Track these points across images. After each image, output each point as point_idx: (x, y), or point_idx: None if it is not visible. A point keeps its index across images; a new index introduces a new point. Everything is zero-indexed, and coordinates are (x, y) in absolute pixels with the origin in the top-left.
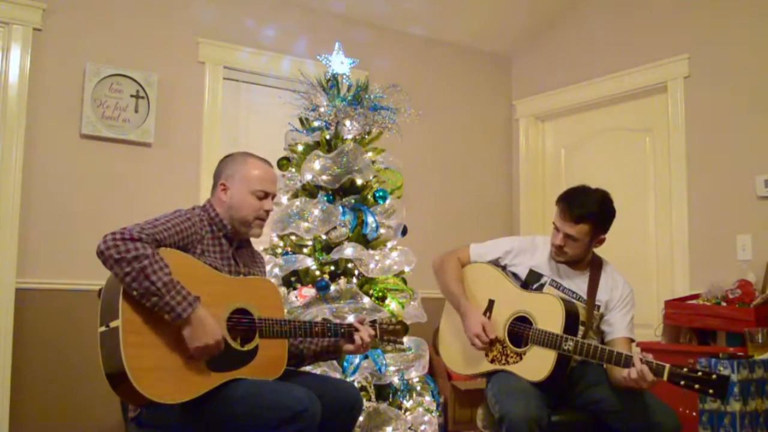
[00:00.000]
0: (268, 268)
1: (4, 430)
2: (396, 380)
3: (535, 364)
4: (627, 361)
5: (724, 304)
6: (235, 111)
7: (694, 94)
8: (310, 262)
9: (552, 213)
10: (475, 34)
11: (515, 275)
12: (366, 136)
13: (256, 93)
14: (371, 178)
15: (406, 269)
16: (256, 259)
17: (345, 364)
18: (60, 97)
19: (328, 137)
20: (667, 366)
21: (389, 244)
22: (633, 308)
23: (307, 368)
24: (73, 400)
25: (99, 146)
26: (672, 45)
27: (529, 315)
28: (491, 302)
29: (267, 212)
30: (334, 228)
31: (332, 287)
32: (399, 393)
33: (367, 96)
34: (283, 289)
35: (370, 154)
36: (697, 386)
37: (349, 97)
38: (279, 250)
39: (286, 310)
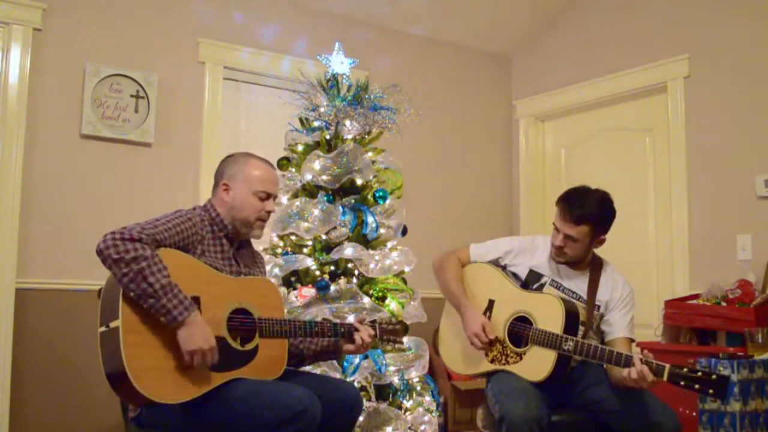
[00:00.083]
0: (268, 268)
1: (4, 430)
2: (396, 380)
3: (535, 364)
4: (627, 361)
5: (724, 304)
6: (235, 111)
7: (694, 94)
8: (310, 262)
9: (552, 213)
10: (475, 34)
11: (515, 275)
12: (366, 136)
13: (256, 93)
14: (371, 178)
15: (406, 269)
16: (256, 260)
17: (345, 364)
18: (60, 97)
19: (328, 137)
20: (667, 366)
21: (389, 244)
22: (633, 308)
23: (307, 368)
24: (73, 400)
25: (99, 146)
26: (672, 45)
27: (529, 315)
28: (491, 302)
29: (268, 213)
30: (334, 228)
31: (332, 287)
32: (399, 393)
33: (367, 96)
34: (283, 289)
35: (370, 154)
36: (697, 386)
37: (349, 97)
38: (279, 250)
39: (286, 310)
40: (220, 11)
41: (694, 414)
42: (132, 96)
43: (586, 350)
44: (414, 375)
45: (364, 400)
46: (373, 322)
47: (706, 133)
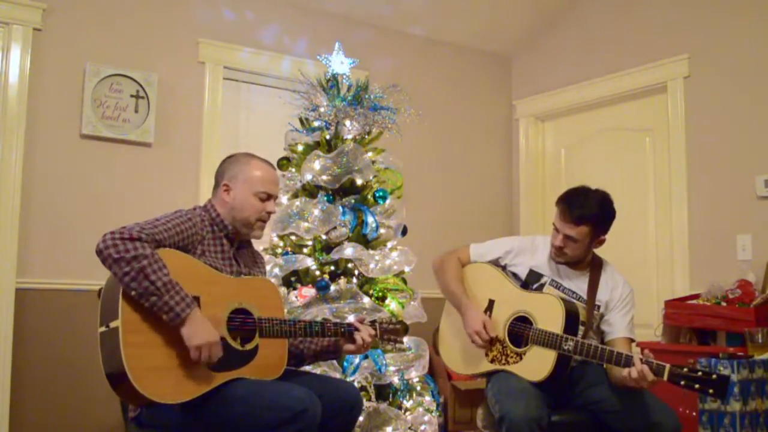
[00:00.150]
0: (268, 268)
1: (4, 430)
2: (396, 380)
3: (535, 364)
4: (627, 361)
5: (724, 304)
6: (235, 111)
7: (694, 94)
8: (310, 262)
9: (552, 213)
10: (475, 34)
11: (515, 275)
12: (366, 136)
13: (256, 93)
14: (371, 178)
15: (406, 269)
16: (256, 260)
17: (345, 364)
18: (60, 97)
19: (328, 137)
20: (668, 366)
21: (389, 244)
22: (633, 308)
23: (307, 368)
24: (73, 400)
25: (99, 146)
26: (672, 45)
27: (529, 315)
28: (491, 302)
29: (269, 214)
30: (334, 228)
31: (332, 287)
32: (399, 393)
33: (367, 96)
34: (283, 289)
35: (370, 154)
36: (697, 386)
37: (349, 97)
38: (279, 250)
39: (286, 310)
40: (220, 11)
41: (694, 414)
42: (132, 96)
43: (586, 350)
44: (414, 375)
45: (364, 400)
46: (374, 321)
47: (706, 133)
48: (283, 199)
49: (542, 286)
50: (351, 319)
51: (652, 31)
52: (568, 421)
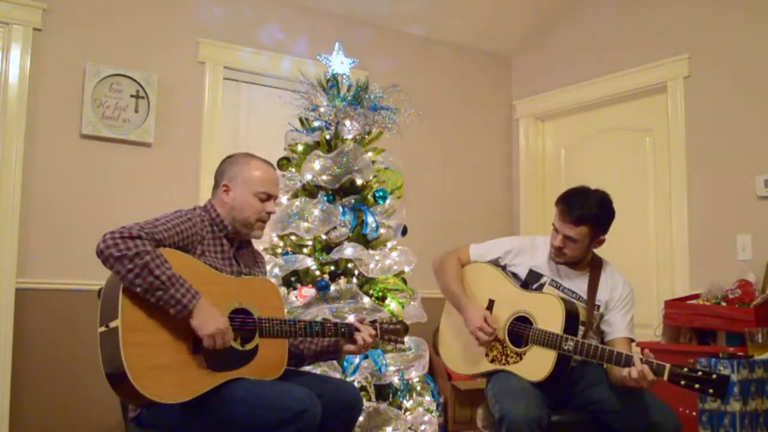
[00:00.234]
0: (268, 268)
1: (4, 430)
2: (396, 380)
3: (536, 364)
4: (627, 361)
5: (724, 304)
6: (235, 111)
7: (694, 94)
8: (310, 262)
9: (552, 213)
10: (475, 34)
11: (515, 275)
12: (366, 136)
13: (256, 93)
14: (371, 178)
15: (406, 269)
16: (257, 259)
17: (345, 364)
18: (60, 97)
19: (328, 137)
20: (668, 366)
21: (389, 244)
22: (633, 308)
23: (307, 368)
24: (73, 400)
25: (99, 146)
26: (672, 45)
27: (529, 315)
28: (491, 302)
29: (269, 214)
30: (334, 228)
31: (332, 287)
32: (399, 393)
33: (367, 96)
34: (283, 289)
35: (370, 154)
36: (697, 386)
37: (349, 97)
38: (279, 250)
39: (286, 310)
40: (220, 11)
41: (694, 414)
42: (132, 96)
43: (586, 350)
44: (414, 375)
45: (364, 400)
46: (374, 321)
47: (706, 133)
48: (283, 199)
49: (542, 286)
50: (351, 319)
51: (652, 31)
52: (568, 421)
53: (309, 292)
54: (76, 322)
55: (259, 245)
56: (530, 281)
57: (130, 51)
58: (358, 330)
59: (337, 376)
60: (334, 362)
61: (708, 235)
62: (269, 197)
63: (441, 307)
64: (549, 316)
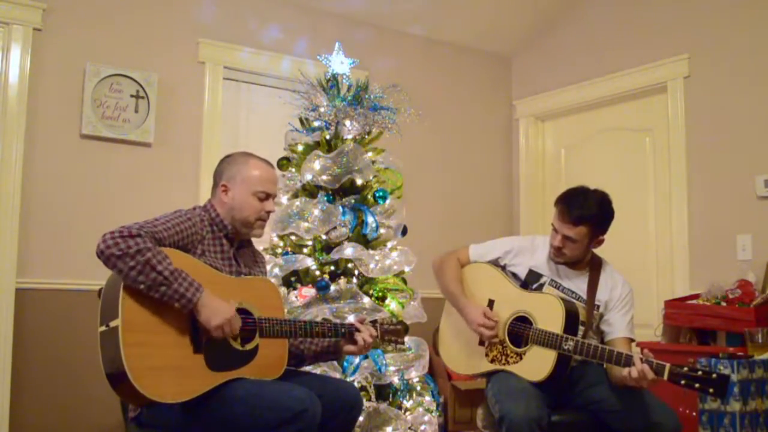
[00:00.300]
0: (268, 268)
1: (4, 429)
2: (396, 380)
3: (535, 364)
4: (627, 361)
5: (724, 304)
6: (235, 111)
7: (694, 94)
8: (310, 262)
9: (552, 213)
10: (475, 34)
11: (515, 275)
12: (366, 136)
13: (256, 93)
14: (371, 178)
15: (406, 269)
16: (257, 259)
17: (345, 364)
18: (60, 97)
19: (328, 137)
20: (668, 365)
21: (389, 244)
22: (632, 308)
23: (307, 368)
24: (73, 400)
25: (99, 146)
26: (672, 45)
27: (529, 315)
28: (491, 302)
29: (268, 213)
30: (334, 228)
31: (332, 287)
32: (399, 393)
33: (367, 96)
34: (283, 289)
35: (370, 154)
36: (697, 385)
37: (349, 97)
38: (279, 250)
39: (286, 310)
40: (220, 11)
41: (694, 414)
42: (132, 96)
43: (586, 350)
44: (414, 375)
45: (364, 400)
46: (374, 322)
47: (706, 133)
48: (283, 199)
49: (542, 286)
50: (351, 319)
51: (652, 31)
52: (568, 421)
53: (309, 292)
54: (76, 322)
55: (259, 245)
56: (530, 281)
57: (130, 51)
58: (358, 330)
59: (337, 376)
60: (334, 362)
61: (708, 235)
62: (268, 196)
63: (441, 307)
64: (549, 316)
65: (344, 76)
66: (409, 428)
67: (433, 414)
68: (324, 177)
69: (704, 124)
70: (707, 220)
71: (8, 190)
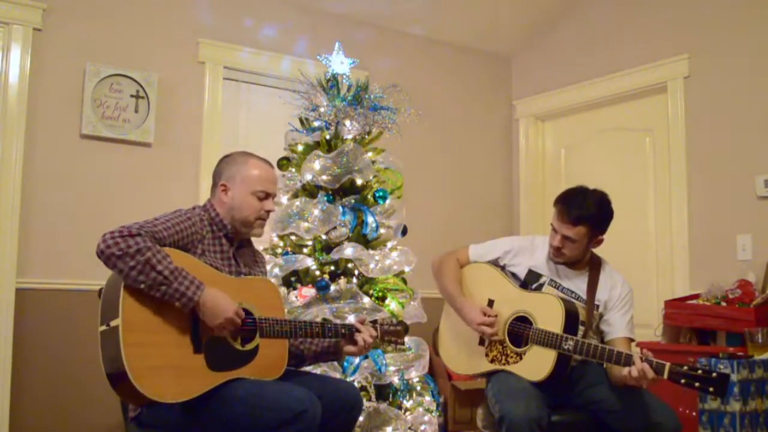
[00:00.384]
0: (268, 268)
1: (4, 430)
2: (396, 380)
3: (535, 364)
4: (627, 360)
5: (724, 304)
6: (235, 111)
7: (694, 94)
8: (310, 262)
9: (552, 213)
10: (475, 34)
11: (514, 275)
12: (366, 136)
13: (256, 93)
14: (371, 178)
15: (406, 269)
16: (256, 259)
17: (345, 364)
18: (60, 97)
19: (328, 137)
20: (668, 364)
21: (389, 244)
22: (632, 308)
23: (307, 368)
24: (73, 399)
25: (99, 146)
26: (672, 45)
27: (528, 315)
28: (491, 302)
29: (268, 212)
30: (334, 228)
31: (332, 287)
32: (399, 393)
33: (367, 96)
34: (283, 289)
35: (370, 154)
36: (697, 384)
37: (349, 97)
38: (279, 250)
39: (286, 310)
40: (220, 11)
41: (694, 414)
42: (132, 96)
43: (586, 349)
44: (414, 375)
45: (364, 400)
46: (374, 322)
47: (706, 133)
48: (283, 199)
49: (541, 285)
50: (351, 319)
51: (652, 31)
52: (568, 421)
53: (309, 292)
54: (76, 322)
55: (259, 245)
56: (529, 281)
57: (130, 51)
58: (358, 331)
59: (338, 376)
60: (335, 362)
61: (708, 235)
62: (268, 195)
63: (441, 307)
64: (549, 316)
65: (344, 76)
66: (409, 428)
67: (433, 414)
68: (324, 177)
69: (704, 124)
70: (707, 220)
71: (8, 190)
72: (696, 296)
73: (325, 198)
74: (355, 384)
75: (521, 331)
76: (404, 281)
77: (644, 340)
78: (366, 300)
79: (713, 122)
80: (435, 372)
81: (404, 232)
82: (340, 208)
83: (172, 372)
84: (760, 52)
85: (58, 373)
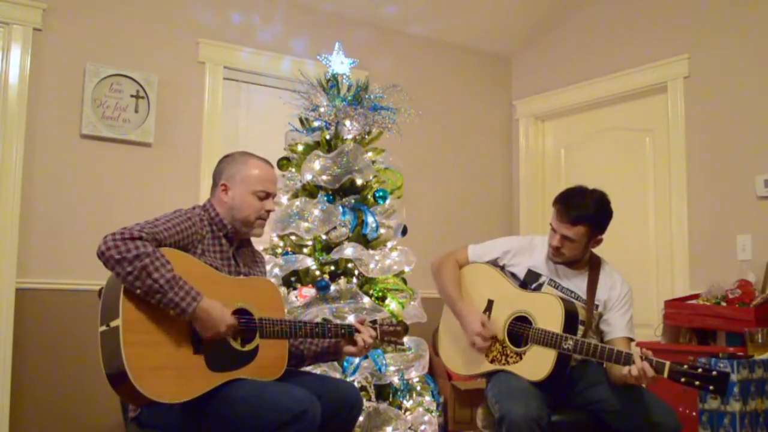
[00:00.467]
0: (268, 268)
1: (4, 429)
2: (396, 380)
3: (535, 364)
4: (627, 359)
5: (724, 304)
6: (235, 111)
7: (694, 94)
8: (310, 262)
9: (551, 213)
10: (475, 34)
11: (514, 275)
12: (366, 136)
13: (256, 93)
14: (371, 178)
15: (406, 269)
16: (256, 259)
17: (345, 363)
18: (60, 97)
19: (328, 137)
20: (668, 363)
21: (389, 244)
22: (632, 307)
23: (307, 368)
24: (73, 400)
25: (99, 146)
26: (672, 45)
27: (528, 315)
28: (490, 302)
29: (268, 212)
30: (334, 228)
31: (332, 287)
32: (399, 393)
33: (367, 96)
34: (283, 289)
35: (370, 154)
36: (697, 383)
37: (349, 97)
38: (279, 250)
39: (286, 310)
40: (220, 12)
41: (694, 414)
42: (132, 96)
43: (585, 349)
44: (414, 375)
45: (364, 400)
46: (374, 322)
47: (706, 133)
48: (283, 199)
49: (541, 285)
50: (351, 319)
51: (652, 31)
52: (568, 421)
53: (309, 292)
54: (76, 322)
55: (259, 245)
56: (529, 281)
57: (130, 51)
58: (358, 331)
59: (338, 376)
60: (335, 362)
61: (708, 235)
62: (268, 195)
63: (441, 307)
64: (548, 316)
65: (344, 76)
66: (409, 428)
67: (433, 414)
68: (324, 177)
69: (704, 124)
70: (707, 220)
71: (8, 190)
72: (696, 296)
73: (325, 198)
74: (355, 384)
75: (521, 331)
76: (404, 281)
77: (644, 340)
78: (366, 300)
79: (713, 122)
80: (435, 372)
81: (404, 232)
82: (340, 208)
83: (172, 372)
84: (760, 52)
85: (58, 373)
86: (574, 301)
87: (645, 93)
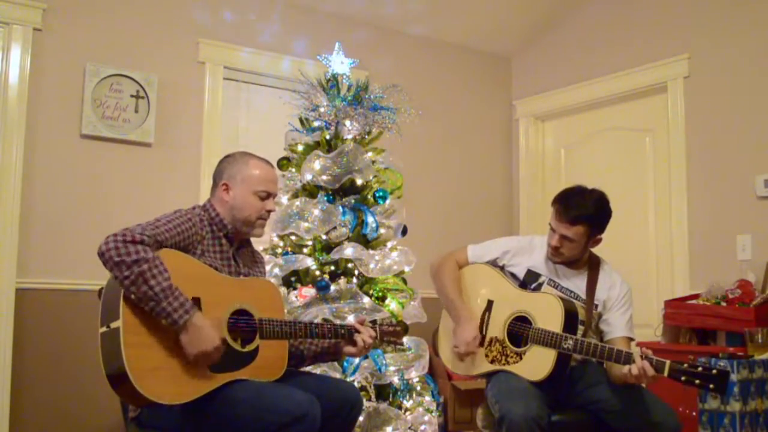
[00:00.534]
0: (268, 268)
1: (4, 430)
2: (396, 380)
3: (535, 364)
4: (627, 358)
5: (724, 304)
6: (235, 111)
7: (694, 94)
8: (310, 262)
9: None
10: (475, 34)
11: (513, 275)
12: (366, 136)
13: (256, 93)
14: (371, 178)
15: (406, 269)
16: (256, 259)
17: (345, 363)
18: (60, 97)
19: (328, 137)
20: (668, 362)
21: (389, 244)
22: (631, 307)
23: (307, 368)
24: (74, 400)
25: (99, 146)
26: (672, 45)
27: (528, 314)
28: (490, 302)
29: (269, 212)
30: (334, 228)
31: (332, 287)
32: (399, 393)
33: (367, 96)
34: (283, 289)
35: (370, 154)
36: (697, 381)
37: (349, 97)
38: (279, 250)
39: (286, 311)
40: (220, 11)
41: (694, 414)
42: (132, 96)
43: (585, 348)
44: (414, 375)
45: (364, 400)
46: (373, 322)
47: (706, 133)
48: (283, 199)
49: (540, 285)
50: (351, 319)
51: (652, 31)
52: (568, 421)
53: (309, 292)
54: (76, 322)
55: (259, 245)
56: (528, 281)
57: (130, 51)
58: (358, 331)
59: (338, 376)
60: (334, 362)
61: (708, 235)
62: (269, 195)
63: (441, 307)
64: (548, 316)
65: (344, 76)
66: (409, 428)
67: (433, 414)
68: (324, 177)
69: (704, 124)
70: (707, 220)
71: (8, 189)
72: (696, 296)
73: (325, 198)
74: (355, 384)
75: (521, 331)
76: (404, 281)
77: (644, 340)
78: (366, 300)
79: (713, 122)
80: (435, 372)
81: (404, 232)
82: (340, 208)
83: (172, 373)
84: (760, 52)
85: (58, 373)
86: (574, 300)
87: (645, 93)
